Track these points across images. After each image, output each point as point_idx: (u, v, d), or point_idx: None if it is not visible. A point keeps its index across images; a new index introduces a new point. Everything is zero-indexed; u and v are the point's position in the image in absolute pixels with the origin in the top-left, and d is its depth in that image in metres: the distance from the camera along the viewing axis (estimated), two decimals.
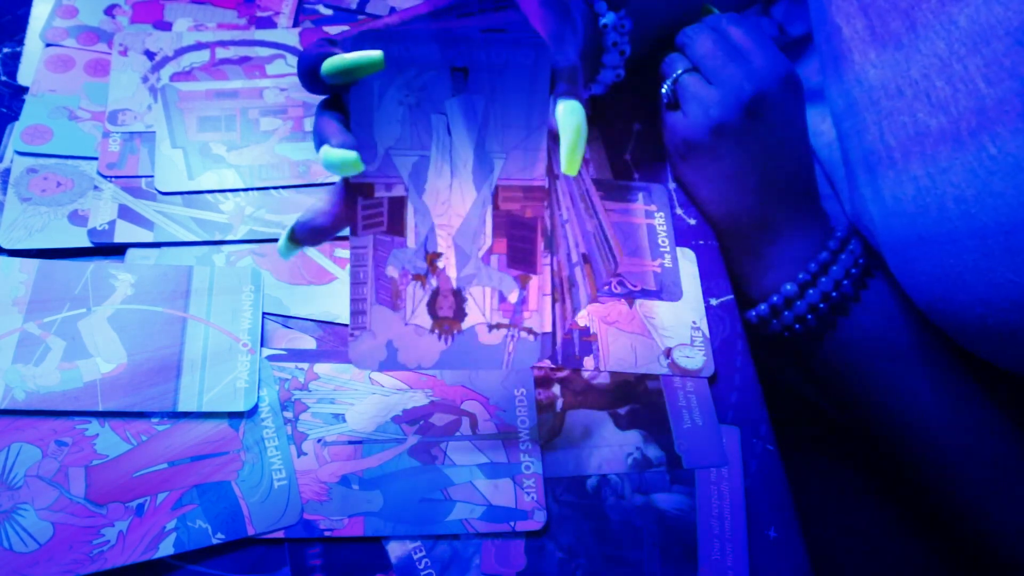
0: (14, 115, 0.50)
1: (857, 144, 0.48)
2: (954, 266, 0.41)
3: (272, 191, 0.50)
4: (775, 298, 0.51)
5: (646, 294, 0.51)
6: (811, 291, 0.50)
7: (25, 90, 0.52)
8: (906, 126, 0.43)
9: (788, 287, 0.50)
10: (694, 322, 0.50)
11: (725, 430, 0.47)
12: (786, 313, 0.51)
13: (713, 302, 0.52)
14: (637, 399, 0.47)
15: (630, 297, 0.51)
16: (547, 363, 0.48)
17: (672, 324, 0.50)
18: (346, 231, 0.39)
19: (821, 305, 0.49)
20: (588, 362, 0.48)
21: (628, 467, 0.45)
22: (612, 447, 0.46)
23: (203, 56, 0.55)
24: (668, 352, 0.49)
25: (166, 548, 0.39)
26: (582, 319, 0.49)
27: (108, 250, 0.47)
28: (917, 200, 0.43)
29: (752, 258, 0.53)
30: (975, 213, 0.40)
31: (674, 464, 0.46)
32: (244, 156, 0.51)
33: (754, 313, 0.53)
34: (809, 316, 0.50)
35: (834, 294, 0.49)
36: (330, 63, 0.34)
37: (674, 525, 0.44)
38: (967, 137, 0.40)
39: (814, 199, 0.53)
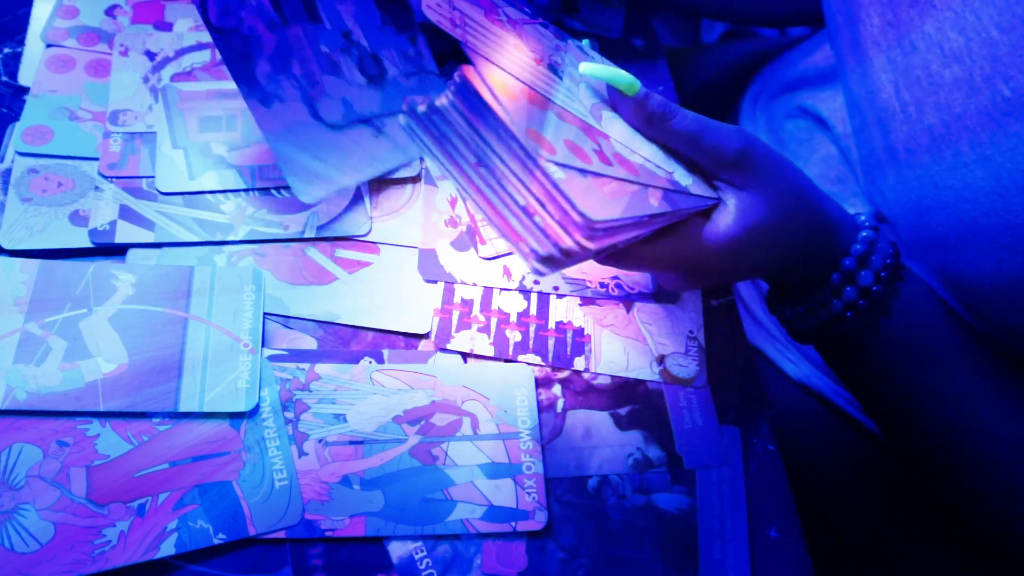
0: (15, 115, 0.50)
1: (871, 104, 0.48)
2: (969, 211, 0.42)
3: (273, 191, 0.50)
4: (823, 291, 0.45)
5: (643, 297, 0.51)
6: (851, 286, 0.45)
7: (26, 90, 0.52)
8: (920, 80, 0.44)
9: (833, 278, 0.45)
10: (691, 331, 0.50)
11: (725, 430, 0.47)
12: (835, 301, 0.45)
13: (714, 303, 0.52)
14: (638, 400, 0.48)
15: (628, 301, 0.51)
16: (537, 358, 0.48)
17: (668, 331, 0.50)
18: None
19: (861, 302, 0.44)
20: (579, 363, 0.48)
21: (629, 467, 0.45)
22: (613, 447, 0.46)
23: (204, 56, 0.55)
24: (661, 359, 0.49)
25: (167, 548, 0.39)
26: (578, 320, 0.49)
27: (109, 250, 0.47)
28: (932, 149, 0.43)
29: (771, 280, 0.49)
30: (991, 155, 0.40)
31: (675, 464, 0.46)
32: (245, 156, 0.51)
33: (800, 309, 0.47)
34: (861, 301, 0.44)
35: (875, 288, 0.44)
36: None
37: (675, 525, 0.44)
38: (981, 82, 0.40)
39: (828, 213, 0.46)
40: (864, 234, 0.45)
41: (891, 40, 0.46)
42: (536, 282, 0.50)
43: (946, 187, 0.43)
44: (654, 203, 0.38)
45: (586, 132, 0.39)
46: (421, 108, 0.37)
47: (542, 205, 0.35)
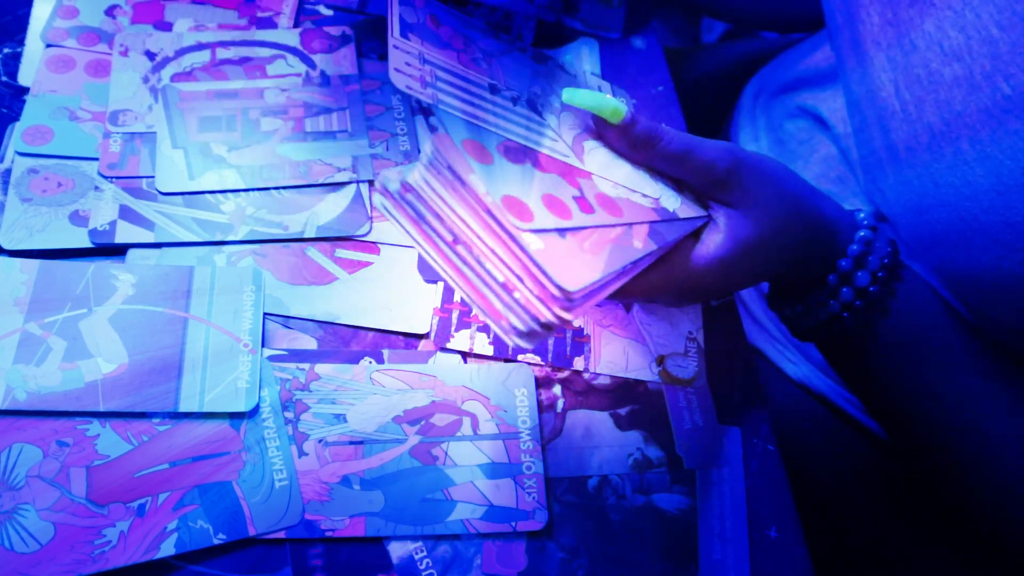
0: (15, 115, 0.50)
1: (871, 103, 0.48)
2: (969, 208, 0.42)
3: (273, 191, 0.50)
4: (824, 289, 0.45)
5: None
6: (848, 287, 0.45)
7: (26, 90, 0.52)
8: (920, 78, 0.44)
9: (831, 277, 0.45)
10: (690, 332, 0.50)
11: (725, 430, 0.47)
12: (832, 302, 0.45)
13: (714, 303, 0.52)
14: (638, 400, 0.48)
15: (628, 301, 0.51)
16: (536, 358, 0.48)
17: (668, 332, 0.50)
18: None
19: (858, 302, 0.45)
20: (578, 363, 0.48)
21: (629, 467, 0.45)
22: (613, 447, 0.46)
23: (204, 56, 0.55)
24: (661, 360, 0.49)
25: (167, 548, 0.39)
26: (577, 321, 0.49)
27: (109, 250, 0.47)
28: (932, 148, 0.44)
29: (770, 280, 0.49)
30: (991, 153, 0.40)
31: (675, 464, 0.46)
32: (245, 156, 0.51)
33: (798, 308, 0.47)
34: (857, 302, 0.44)
35: (872, 288, 0.44)
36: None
37: (675, 525, 0.44)
38: (981, 80, 0.41)
39: (823, 216, 0.46)
40: (862, 234, 0.45)
41: (891, 39, 0.46)
42: None
43: (946, 185, 0.43)
44: (638, 245, 0.38)
45: (566, 177, 0.38)
46: (394, 185, 0.36)
47: (520, 280, 0.35)
